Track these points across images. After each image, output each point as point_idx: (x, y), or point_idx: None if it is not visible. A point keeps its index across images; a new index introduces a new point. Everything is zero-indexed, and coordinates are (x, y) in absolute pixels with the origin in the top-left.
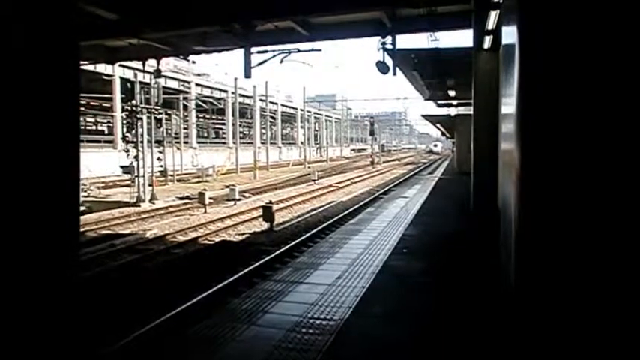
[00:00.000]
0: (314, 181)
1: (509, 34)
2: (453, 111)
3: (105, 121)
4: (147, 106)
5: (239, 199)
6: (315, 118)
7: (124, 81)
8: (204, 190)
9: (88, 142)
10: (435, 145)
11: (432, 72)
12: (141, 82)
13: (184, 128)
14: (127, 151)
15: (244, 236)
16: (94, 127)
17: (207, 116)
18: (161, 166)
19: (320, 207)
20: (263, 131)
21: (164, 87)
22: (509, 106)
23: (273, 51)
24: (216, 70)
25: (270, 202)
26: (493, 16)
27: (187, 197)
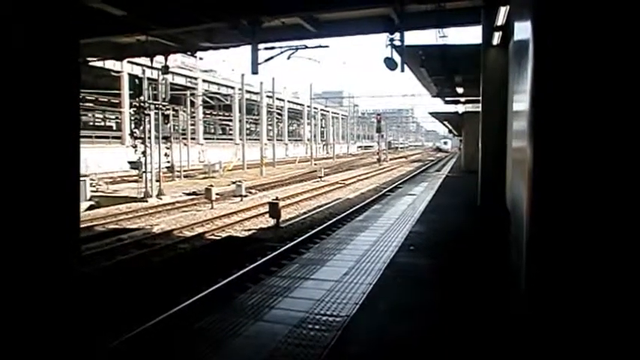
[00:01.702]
0: (320, 177)
1: (522, 30)
2: (460, 108)
3: (113, 117)
4: (154, 102)
5: (245, 195)
6: (322, 114)
7: (132, 77)
8: (211, 185)
9: (97, 137)
10: (445, 143)
11: (440, 69)
12: (149, 79)
13: (191, 124)
14: (135, 146)
15: (251, 232)
16: (102, 123)
17: (214, 112)
18: (168, 162)
19: (326, 204)
20: (270, 128)
21: (171, 83)
22: (521, 102)
23: (281, 47)
24: (223, 66)
25: (277, 199)
26: (503, 11)
27: (194, 193)
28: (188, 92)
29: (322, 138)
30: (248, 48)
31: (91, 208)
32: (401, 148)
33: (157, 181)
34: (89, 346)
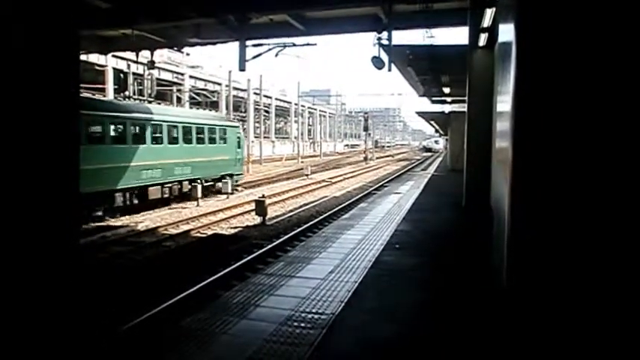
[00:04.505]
0: (307, 175)
1: (506, 32)
2: (447, 108)
3: None
4: (140, 97)
5: (232, 193)
6: (309, 112)
7: (117, 72)
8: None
9: None
10: (436, 142)
11: (426, 68)
12: (134, 74)
13: None
14: None
15: (237, 230)
16: None
17: (201, 109)
18: None
19: (313, 202)
20: (257, 125)
21: (157, 79)
22: (505, 103)
23: (269, 44)
24: (210, 62)
25: (263, 196)
26: (489, 13)
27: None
28: (174, 88)
29: (309, 136)
30: (236, 44)
31: None
32: (388, 146)
33: None
34: (85, 341)
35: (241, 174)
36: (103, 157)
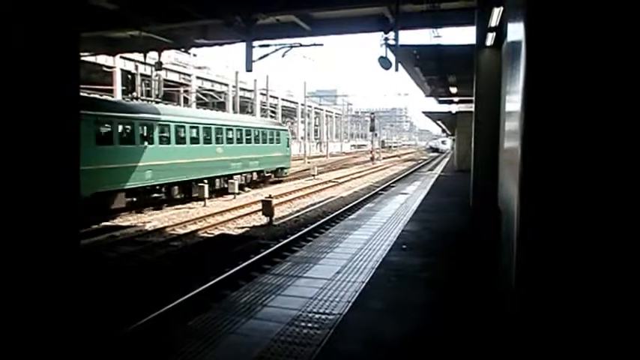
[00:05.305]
0: (314, 176)
1: (516, 31)
2: (454, 108)
3: None
4: (147, 98)
5: (239, 193)
6: (316, 113)
7: (125, 73)
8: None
9: None
10: (444, 142)
11: (433, 68)
12: (142, 75)
13: None
14: None
15: (244, 230)
16: None
17: (208, 109)
18: None
19: (319, 202)
20: None
21: (165, 79)
22: (514, 103)
23: (275, 45)
24: (217, 63)
25: (270, 196)
26: (496, 12)
27: None
28: (181, 89)
29: (316, 136)
30: (243, 45)
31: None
32: (394, 147)
33: None
34: (87, 343)
35: (289, 167)
36: (209, 153)
